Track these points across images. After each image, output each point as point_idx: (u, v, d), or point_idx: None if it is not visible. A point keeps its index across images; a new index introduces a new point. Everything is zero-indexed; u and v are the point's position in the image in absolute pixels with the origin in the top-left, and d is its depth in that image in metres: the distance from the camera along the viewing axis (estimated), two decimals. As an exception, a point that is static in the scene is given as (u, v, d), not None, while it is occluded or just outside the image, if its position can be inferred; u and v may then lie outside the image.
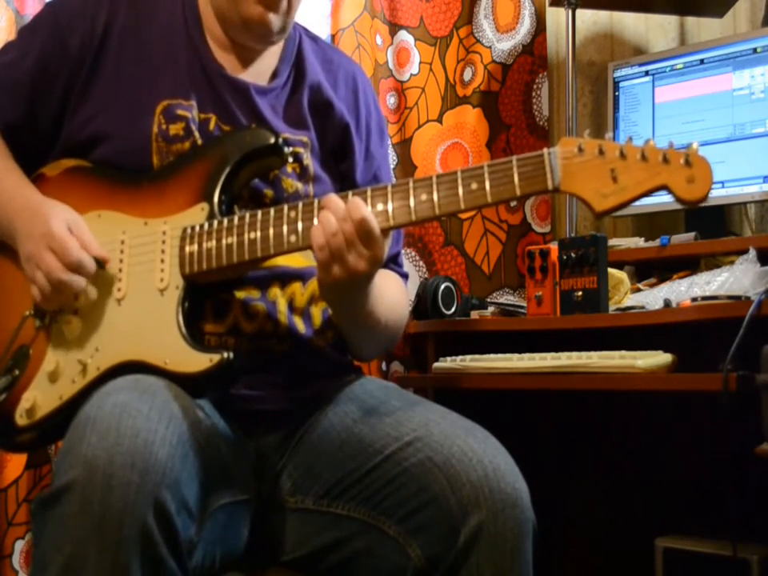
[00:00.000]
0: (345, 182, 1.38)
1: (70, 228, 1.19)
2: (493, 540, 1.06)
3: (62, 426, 1.07)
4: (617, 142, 1.03)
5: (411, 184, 1.11)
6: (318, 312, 1.32)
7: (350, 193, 1.14)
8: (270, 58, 1.37)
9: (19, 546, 1.73)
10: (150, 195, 1.25)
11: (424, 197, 1.10)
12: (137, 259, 1.22)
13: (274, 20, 1.29)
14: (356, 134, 1.40)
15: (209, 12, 1.33)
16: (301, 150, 1.33)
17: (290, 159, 1.28)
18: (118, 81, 1.29)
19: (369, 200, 1.12)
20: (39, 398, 1.19)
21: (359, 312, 1.24)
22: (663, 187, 1.01)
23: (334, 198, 1.13)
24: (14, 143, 1.32)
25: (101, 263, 1.20)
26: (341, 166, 1.39)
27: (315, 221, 1.14)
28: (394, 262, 1.44)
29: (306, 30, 1.45)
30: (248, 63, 1.35)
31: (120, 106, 1.27)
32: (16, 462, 1.73)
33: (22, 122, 1.32)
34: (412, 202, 1.11)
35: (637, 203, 1.04)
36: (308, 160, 1.34)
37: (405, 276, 1.47)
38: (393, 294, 1.35)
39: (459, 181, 1.09)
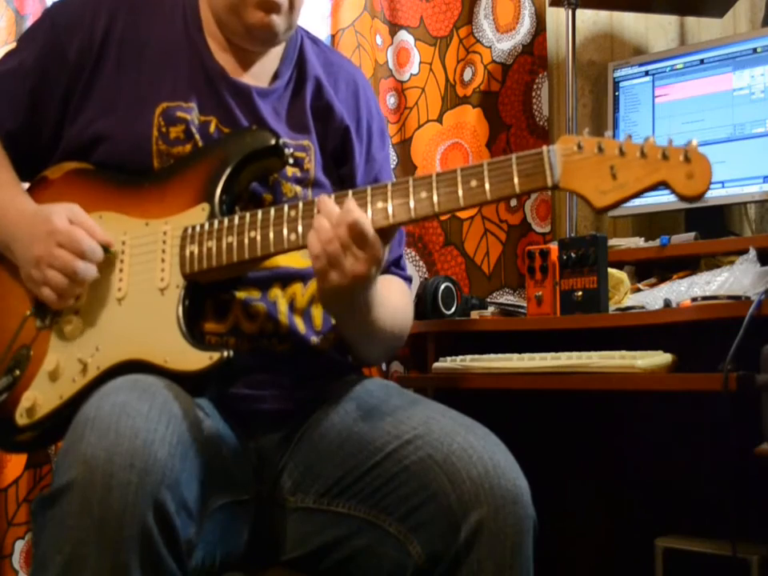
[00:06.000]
0: (345, 186, 1.37)
1: (70, 220, 1.20)
2: (493, 536, 1.06)
3: (62, 426, 1.07)
4: (616, 139, 1.03)
5: (411, 182, 1.11)
6: (318, 312, 1.32)
7: (350, 192, 1.14)
8: (272, 58, 1.37)
9: (19, 545, 1.73)
10: (151, 196, 1.25)
11: (424, 195, 1.10)
12: (138, 259, 1.22)
13: (278, 22, 1.28)
14: (356, 136, 1.40)
15: (210, 14, 1.33)
16: (302, 155, 1.33)
17: (291, 161, 1.28)
18: (118, 84, 1.29)
19: (369, 198, 1.12)
20: (39, 397, 1.19)
21: (363, 318, 1.23)
22: (662, 183, 1.01)
23: (326, 202, 1.13)
24: (15, 150, 1.32)
25: (106, 249, 1.21)
26: (341, 170, 1.39)
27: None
28: (396, 266, 1.44)
29: (307, 31, 1.45)
30: (249, 65, 1.35)
31: (120, 109, 1.28)
32: (16, 462, 1.73)
33: (22, 130, 1.32)
34: (412, 201, 1.11)
35: (637, 203, 1.04)
36: (309, 164, 1.34)
37: (408, 279, 1.47)
38: (396, 299, 1.35)
39: (459, 179, 1.09)
